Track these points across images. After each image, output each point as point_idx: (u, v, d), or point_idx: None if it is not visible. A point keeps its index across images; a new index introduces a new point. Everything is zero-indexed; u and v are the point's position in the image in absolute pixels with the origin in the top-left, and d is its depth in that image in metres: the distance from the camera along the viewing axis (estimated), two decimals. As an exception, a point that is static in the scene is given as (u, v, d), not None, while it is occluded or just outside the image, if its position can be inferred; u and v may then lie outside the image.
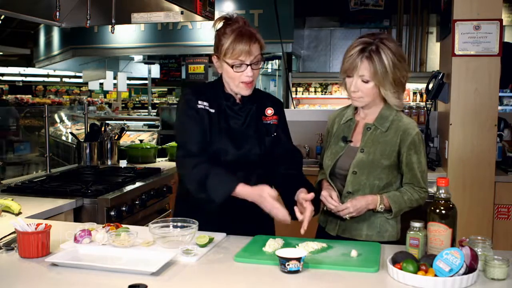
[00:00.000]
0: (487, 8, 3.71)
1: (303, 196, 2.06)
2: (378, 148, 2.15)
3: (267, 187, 2.04)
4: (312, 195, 2.05)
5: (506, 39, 6.86)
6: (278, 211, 2.01)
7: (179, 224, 2.00)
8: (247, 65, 2.11)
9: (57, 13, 2.95)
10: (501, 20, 3.72)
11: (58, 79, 19.00)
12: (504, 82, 4.09)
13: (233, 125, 2.22)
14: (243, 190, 2.06)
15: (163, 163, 4.25)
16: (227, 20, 2.17)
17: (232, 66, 2.12)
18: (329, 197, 2.13)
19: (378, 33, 2.13)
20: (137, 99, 19.84)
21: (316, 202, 2.20)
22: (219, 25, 2.19)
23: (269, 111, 2.30)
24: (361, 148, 2.17)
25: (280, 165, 2.29)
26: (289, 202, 2.12)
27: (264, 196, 2.02)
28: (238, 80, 2.15)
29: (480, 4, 3.72)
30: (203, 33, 7.61)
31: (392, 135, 2.15)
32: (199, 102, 2.20)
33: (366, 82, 2.09)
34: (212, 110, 2.21)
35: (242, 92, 2.19)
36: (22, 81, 18.90)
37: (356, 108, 2.26)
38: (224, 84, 2.25)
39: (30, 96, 17.56)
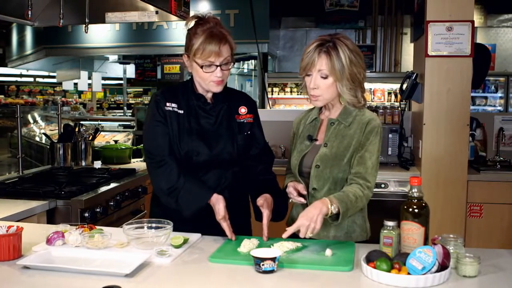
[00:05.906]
0: (459, 9, 3.77)
1: (257, 201, 2.13)
2: (342, 142, 2.15)
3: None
4: (260, 202, 2.12)
5: (478, 41, 6.97)
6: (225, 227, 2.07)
7: (153, 225, 1.99)
8: (217, 66, 2.12)
9: (29, 12, 2.91)
10: (472, 22, 3.78)
11: (31, 79, 18.69)
12: (476, 82, 4.16)
13: (205, 125, 2.22)
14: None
15: (138, 164, 4.22)
16: (199, 19, 2.16)
17: (202, 67, 2.12)
18: (295, 190, 2.12)
19: (334, 33, 2.16)
20: (112, 100, 19.64)
21: (284, 206, 2.23)
22: (191, 24, 2.18)
23: (243, 110, 2.31)
24: (324, 143, 2.17)
25: (255, 164, 2.30)
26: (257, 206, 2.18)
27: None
28: (208, 80, 2.15)
29: (452, 5, 3.77)
30: (178, 33, 7.56)
31: (355, 128, 2.16)
32: (167, 104, 2.20)
33: (325, 77, 2.10)
34: (181, 111, 2.20)
35: (213, 89, 2.19)
36: (-6, 81, 18.58)
37: (321, 108, 2.27)
38: (195, 84, 2.24)
39: (2, 96, 17.29)
